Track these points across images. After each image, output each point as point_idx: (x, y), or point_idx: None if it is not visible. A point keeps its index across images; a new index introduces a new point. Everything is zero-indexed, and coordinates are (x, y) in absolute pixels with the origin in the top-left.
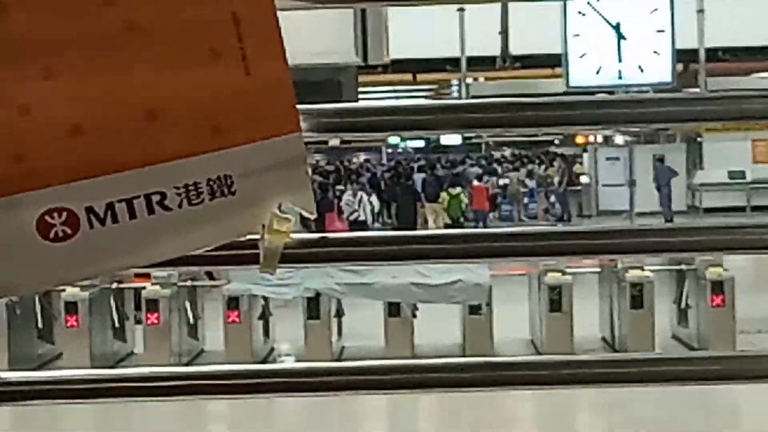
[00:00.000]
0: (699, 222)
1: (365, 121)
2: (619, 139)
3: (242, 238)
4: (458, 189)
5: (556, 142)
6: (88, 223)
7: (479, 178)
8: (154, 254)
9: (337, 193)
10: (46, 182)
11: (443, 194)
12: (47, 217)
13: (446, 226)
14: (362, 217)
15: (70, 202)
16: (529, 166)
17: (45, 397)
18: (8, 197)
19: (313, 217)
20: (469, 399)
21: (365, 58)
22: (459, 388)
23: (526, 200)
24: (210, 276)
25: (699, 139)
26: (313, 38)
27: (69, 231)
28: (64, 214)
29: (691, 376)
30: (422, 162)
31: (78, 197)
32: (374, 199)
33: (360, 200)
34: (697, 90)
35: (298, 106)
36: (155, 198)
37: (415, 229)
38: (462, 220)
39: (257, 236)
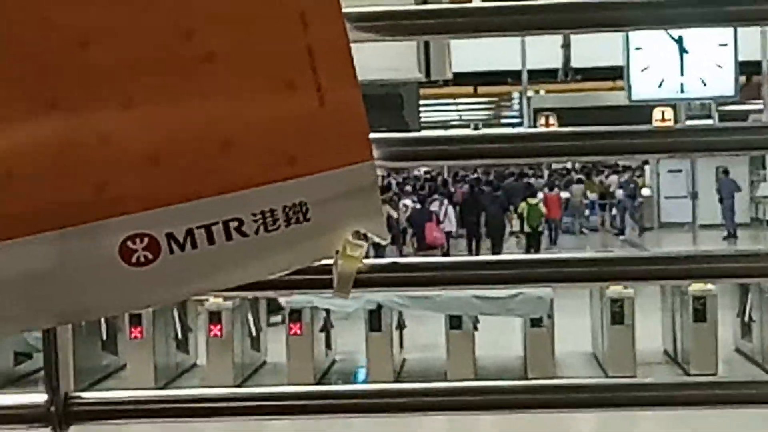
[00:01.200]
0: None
1: (433, 150)
2: None
3: (317, 264)
4: (537, 199)
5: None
6: (168, 249)
7: (551, 188)
8: (232, 279)
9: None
10: (127, 209)
11: (522, 204)
12: (129, 243)
13: (526, 235)
14: (447, 228)
15: (151, 228)
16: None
17: (112, 417)
18: (92, 224)
19: (386, 242)
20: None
21: (428, 74)
22: (521, 409)
23: (587, 212)
24: None
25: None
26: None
27: (150, 256)
28: (146, 239)
29: (755, 400)
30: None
31: (159, 223)
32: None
33: (446, 212)
34: (760, 101)
35: (372, 135)
36: (233, 224)
37: (504, 236)
38: (541, 228)
39: (331, 261)
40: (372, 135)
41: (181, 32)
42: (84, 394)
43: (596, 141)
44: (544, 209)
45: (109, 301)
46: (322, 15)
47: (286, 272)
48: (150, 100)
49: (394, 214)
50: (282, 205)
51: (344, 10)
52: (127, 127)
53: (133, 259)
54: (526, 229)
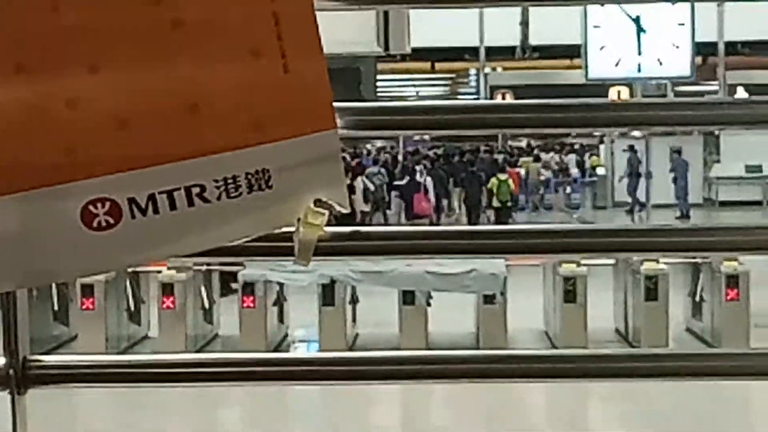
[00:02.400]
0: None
1: (399, 119)
2: (635, 131)
3: (278, 231)
4: (505, 175)
5: (573, 133)
6: (130, 214)
7: (511, 164)
8: (193, 245)
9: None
10: (92, 173)
11: (493, 179)
12: (91, 207)
13: (496, 209)
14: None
15: (113, 193)
16: (569, 156)
17: (71, 380)
18: (54, 187)
19: (347, 210)
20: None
21: (387, 48)
22: (472, 379)
23: (542, 190)
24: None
25: (716, 132)
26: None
27: (111, 221)
28: (108, 204)
29: (704, 372)
30: (441, 150)
31: (121, 188)
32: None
33: (433, 184)
34: (715, 82)
35: (335, 104)
36: (195, 190)
37: (481, 209)
38: (509, 203)
39: (293, 229)
40: (336, 104)
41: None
42: (43, 358)
43: (554, 114)
44: (512, 185)
45: (70, 264)
46: None
47: (247, 239)
48: (118, 65)
49: (371, 186)
50: (245, 171)
51: None
52: (95, 91)
53: (95, 224)
54: (496, 204)
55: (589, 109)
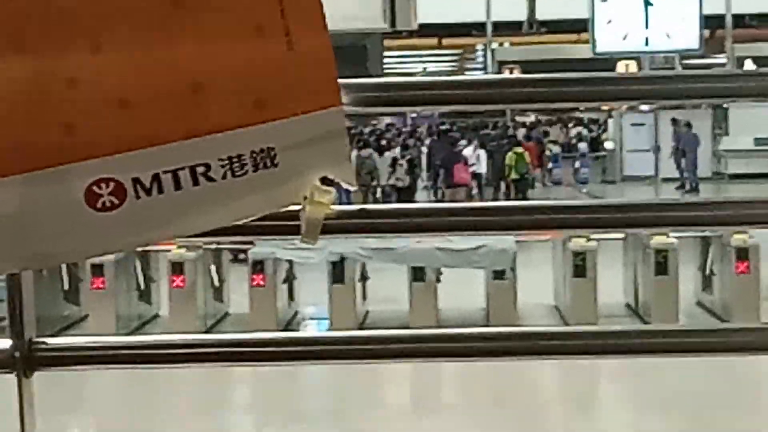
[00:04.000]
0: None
1: (406, 95)
2: (644, 105)
3: (284, 209)
4: (521, 148)
5: (581, 108)
6: (134, 194)
7: (527, 138)
8: (199, 224)
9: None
10: (94, 153)
11: (510, 153)
12: (95, 187)
13: (515, 181)
14: (480, 170)
15: (117, 173)
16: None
17: (77, 363)
18: (57, 167)
19: (354, 188)
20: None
21: (393, 24)
22: (483, 357)
23: (550, 165)
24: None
25: (725, 105)
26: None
27: (116, 201)
28: (112, 184)
29: (715, 348)
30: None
31: (125, 168)
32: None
33: (478, 156)
34: (723, 55)
35: (339, 81)
36: (200, 169)
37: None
38: (527, 175)
39: (299, 207)
40: (341, 80)
41: None
42: (48, 340)
43: (561, 88)
44: (528, 158)
45: (74, 246)
46: None
47: (254, 218)
48: (119, 44)
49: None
50: (250, 150)
51: None
52: (96, 71)
53: (99, 204)
54: (514, 176)
55: (597, 83)
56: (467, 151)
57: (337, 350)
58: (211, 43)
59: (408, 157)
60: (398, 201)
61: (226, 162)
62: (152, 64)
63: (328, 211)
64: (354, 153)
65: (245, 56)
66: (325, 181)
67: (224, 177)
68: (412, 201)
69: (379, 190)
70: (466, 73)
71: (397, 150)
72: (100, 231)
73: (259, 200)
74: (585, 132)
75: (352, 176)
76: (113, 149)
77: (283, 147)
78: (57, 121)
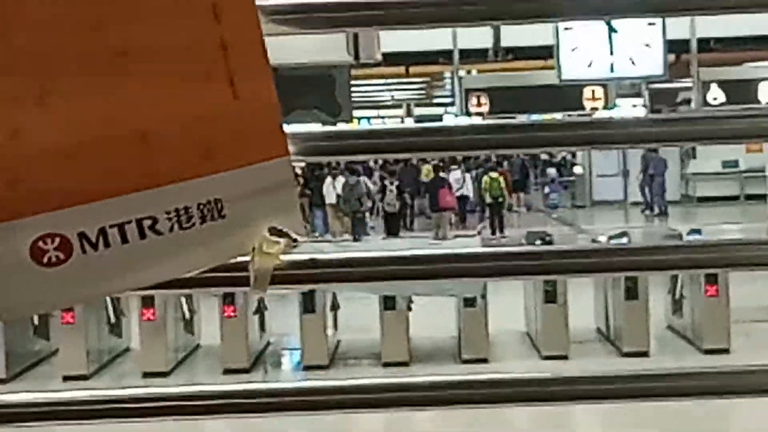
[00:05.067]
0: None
1: (353, 144)
2: None
3: (233, 261)
4: (496, 174)
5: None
6: (80, 249)
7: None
8: (146, 278)
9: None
10: (39, 208)
11: (485, 177)
12: (41, 243)
13: (489, 205)
14: (466, 193)
15: (62, 228)
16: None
17: (44, 418)
18: (1, 223)
19: (303, 238)
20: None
21: (356, 57)
22: (456, 405)
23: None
24: None
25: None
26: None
27: (62, 256)
28: (57, 239)
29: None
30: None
31: (70, 223)
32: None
33: (464, 179)
34: (689, 80)
35: (286, 130)
36: (147, 222)
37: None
38: (501, 199)
39: (248, 258)
40: (288, 129)
41: (94, 25)
42: (13, 397)
43: (525, 133)
44: (503, 183)
45: (21, 302)
46: (234, 7)
47: (203, 269)
48: (64, 95)
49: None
50: (197, 202)
51: (259, 2)
52: (41, 122)
53: (45, 259)
54: (489, 200)
55: (565, 128)
56: (454, 176)
57: (302, 401)
58: (157, 93)
59: (397, 183)
60: (387, 225)
61: (173, 215)
62: (97, 115)
63: (277, 261)
64: (341, 179)
65: (191, 106)
66: (273, 231)
67: (171, 230)
68: (400, 226)
69: (367, 214)
70: (435, 100)
71: (377, 175)
72: (47, 286)
73: (208, 252)
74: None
75: (301, 226)
76: (58, 204)
77: (231, 198)
78: (1, 175)
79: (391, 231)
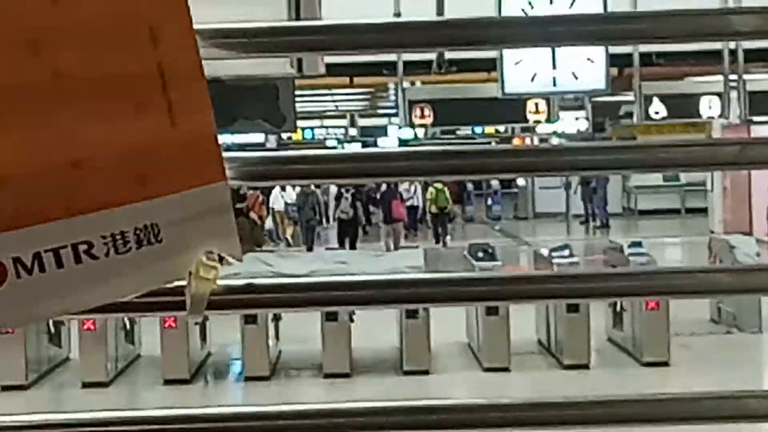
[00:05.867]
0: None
1: (290, 169)
2: (554, 141)
3: (170, 285)
4: (441, 185)
5: (493, 143)
6: (15, 273)
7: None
8: (82, 302)
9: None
10: None
11: (431, 188)
12: None
13: (434, 215)
14: (416, 203)
15: None
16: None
17: None
18: None
19: (240, 261)
20: None
21: (300, 69)
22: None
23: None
24: None
25: (634, 141)
26: None
27: None
28: None
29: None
30: None
31: (5, 248)
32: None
33: (415, 190)
34: (631, 94)
35: (224, 155)
36: (82, 247)
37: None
38: (447, 210)
39: (185, 283)
40: (225, 154)
41: (26, 49)
42: None
43: (464, 161)
44: (447, 194)
45: None
46: (172, 32)
47: (139, 294)
48: None
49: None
50: (133, 226)
51: (197, 26)
52: None
53: None
54: (434, 210)
55: (507, 155)
56: (404, 186)
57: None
58: (91, 119)
59: (352, 191)
60: (342, 233)
61: (109, 239)
62: (30, 141)
63: (214, 286)
64: (297, 189)
65: (127, 132)
66: (210, 256)
67: (107, 254)
68: (356, 233)
69: (324, 221)
70: (378, 110)
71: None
72: None
73: (144, 277)
74: None
75: (239, 250)
76: None
77: (168, 223)
78: None
79: (346, 237)
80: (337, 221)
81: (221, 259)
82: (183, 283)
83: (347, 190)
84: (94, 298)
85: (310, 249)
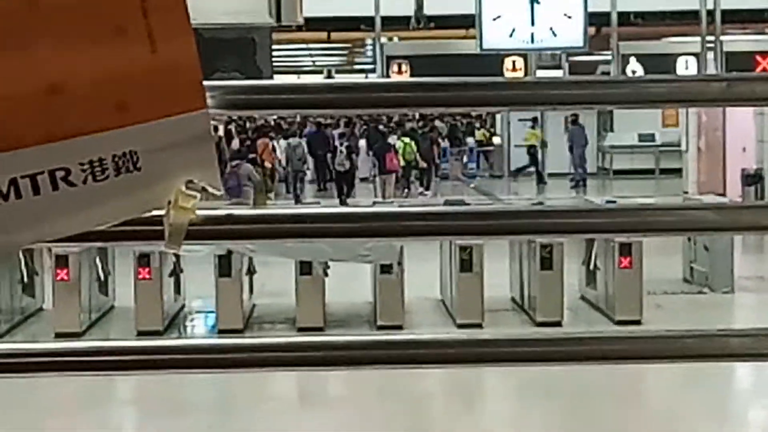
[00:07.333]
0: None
1: (273, 98)
2: None
3: (148, 214)
4: (408, 138)
5: None
6: None
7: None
8: (59, 229)
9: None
10: None
11: (398, 142)
12: None
13: (402, 168)
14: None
15: None
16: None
17: None
18: None
19: (220, 193)
20: None
21: (278, 19)
22: (371, 365)
23: (438, 161)
24: None
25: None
26: None
27: None
28: None
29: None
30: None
31: None
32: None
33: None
34: (609, 53)
35: (205, 83)
36: (59, 174)
37: None
38: (414, 163)
39: (163, 212)
40: (207, 83)
41: None
42: None
43: (448, 92)
44: (414, 148)
45: None
46: None
47: (117, 222)
48: None
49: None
50: (111, 153)
51: None
52: None
53: None
54: (402, 163)
55: (485, 88)
56: (393, 140)
57: (223, 359)
58: (69, 45)
59: (347, 144)
60: (338, 183)
61: (87, 166)
62: (7, 67)
63: (193, 216)
64: (283, 142)
65: (105, 59)
66: (190, 185)
67: (85, 182)
68: (353, 183)
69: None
70: (355, 66)
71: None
72: None
73: (122, 205)
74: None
75: (218, 180)
76: None
77: (147, 151)
78: None
79: (343, 188)
80: (334, 173)
81: (201, 190)
82: (161, 212)
83: (341, 143)
84: (71, 225)
85: (297, 201)
